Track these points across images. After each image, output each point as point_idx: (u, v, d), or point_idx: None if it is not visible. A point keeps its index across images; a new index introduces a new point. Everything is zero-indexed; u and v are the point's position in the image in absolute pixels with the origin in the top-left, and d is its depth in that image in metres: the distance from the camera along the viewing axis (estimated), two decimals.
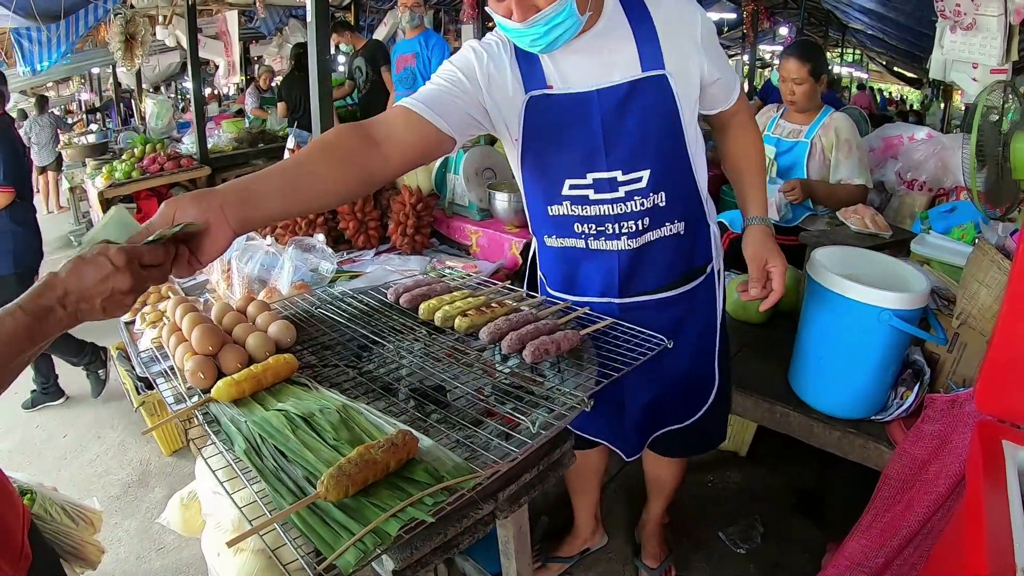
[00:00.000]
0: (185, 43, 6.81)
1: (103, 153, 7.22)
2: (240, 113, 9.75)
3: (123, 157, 6.23)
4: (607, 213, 1.61)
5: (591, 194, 1.60)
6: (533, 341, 1.41)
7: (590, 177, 1.58)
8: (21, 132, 10.71)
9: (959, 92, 3.68)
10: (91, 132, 9.59)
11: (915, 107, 16.62)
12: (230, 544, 0.93)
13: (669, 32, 1.50)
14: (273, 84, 9.78)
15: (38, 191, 10.44)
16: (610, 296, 1.73)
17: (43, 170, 10.35)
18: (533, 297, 1.78)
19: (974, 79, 3.18)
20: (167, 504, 2.62)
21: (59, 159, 9.68)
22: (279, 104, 7.65)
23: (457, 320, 1.54)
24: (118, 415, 4.03)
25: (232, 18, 8.50)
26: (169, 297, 2.55)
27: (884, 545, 1.83)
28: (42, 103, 10.64)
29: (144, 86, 11.81)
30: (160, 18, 7.51)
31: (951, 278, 2.13)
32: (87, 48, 9.52)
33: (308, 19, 2.90)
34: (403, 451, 1.06)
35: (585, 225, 1.65)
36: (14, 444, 3.85)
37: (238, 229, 1.14)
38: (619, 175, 1.56)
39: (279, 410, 1.24)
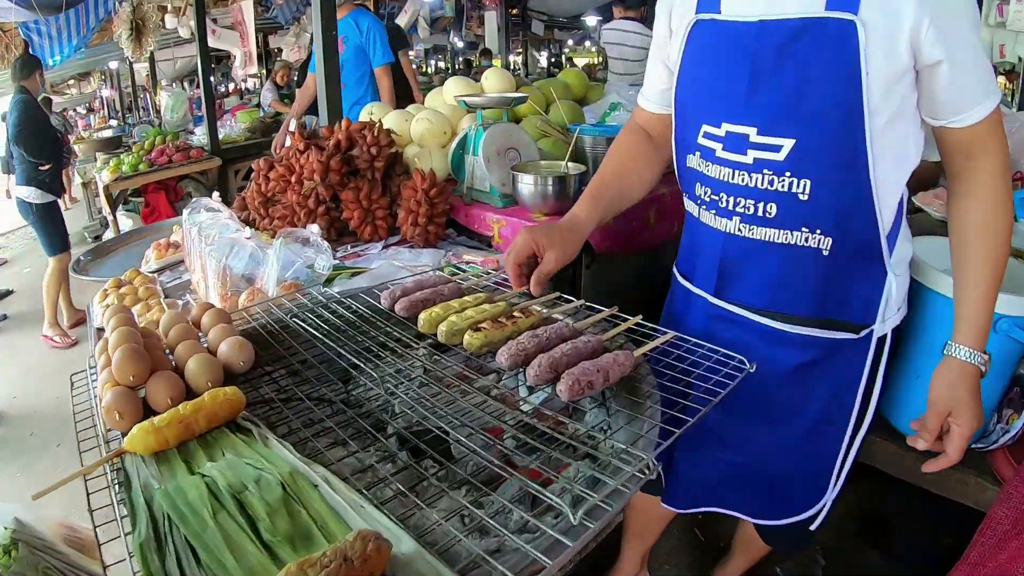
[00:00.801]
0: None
1: (117, 147, 7.04)
2: (259, 106, 9.53)
3: (133, 150, 5.97)
4: (726, 179, 1.28)
5: (719, 149, 1.27)
6: (571, 370, 1.00)
7: (724, 128, 1.25)
8: None
9: (1007, 73, 3.37)
10: (110, 127, 9.45)
11: None
12: None
13: None
14: (291, 80, 9.57)
15: None
16: (705, 290, 1.43)
17: None
18: (568, 301, 1.38)
19: None
20: None
21: (69, 156, 10.25)
22: (297, 91, 7.39)
23: (467, 337, 1.15)
24: None
25: (248, 7, 8.21)
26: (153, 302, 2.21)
27: None
28: (47, 103, 11.14)
29: (162, 81, 11.67)
30: (173, 8, 7.26)
31: None
32: (104, 43, 9.39)
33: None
34: (363, 571, 0.66)
35: (704, 188, 1.35)
36: (8, 453, 3.69)
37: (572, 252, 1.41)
38: (752, 133, 1.20)
39: (204, 475, 0.86)
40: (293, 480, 0.84)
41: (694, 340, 1.22)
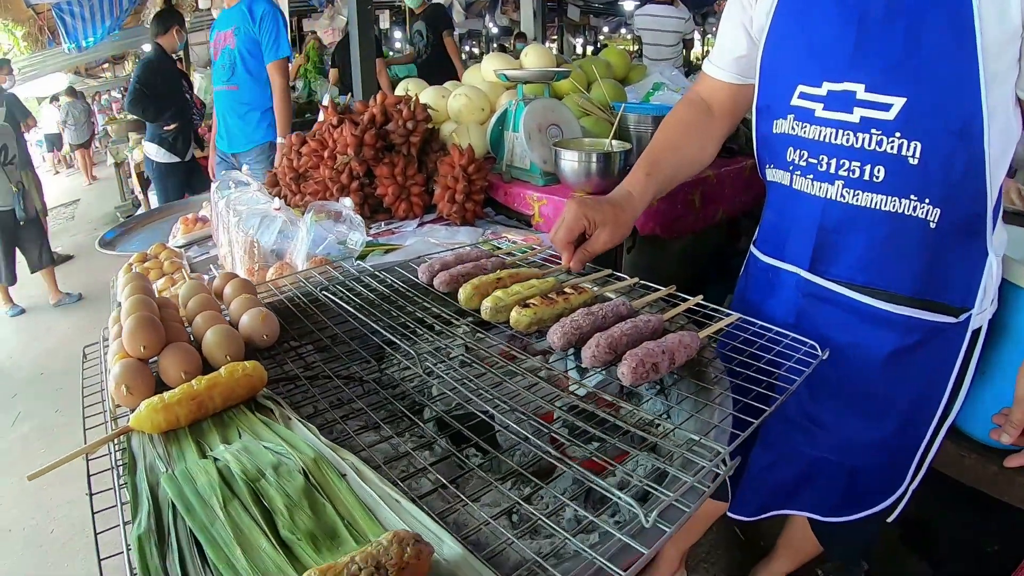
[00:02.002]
0: None
1: None
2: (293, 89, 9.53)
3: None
4: (827, 140, 1.19)
5: (819, 109, 1.20)
6: (634, 351, 0.88)
7: (826, 87, 1.18)
8: (58, 113, 11.99)
9: None
10: None
11: None
12: None
13: None
14: (322, 56, 9.54)
15: (76, 167, 12.85)
16: (798, 265, 1.33)
17: (79, 147, 12.12)
18: (621, 279, 1.26)
19: None
20: None
21: (91, 138, 11.79)
22: (331, 71, 7.37)
23: (515, 314, 1.03)
24: None
25: None
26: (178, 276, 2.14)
27: None
28: (71, 92, 12.21)
29: (194, 63, 11.80)
30: None
31: None
32: (138, 25, 9.48)
33: None
34: None
35: (798, 152, 1.26)
36: (31, 428, 3.71)
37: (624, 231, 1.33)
38: (860, 90, 1.13)
39: (216, 459, 0.75)
40: (317, 468, 0.73)
41: (760, 323, 1.11)
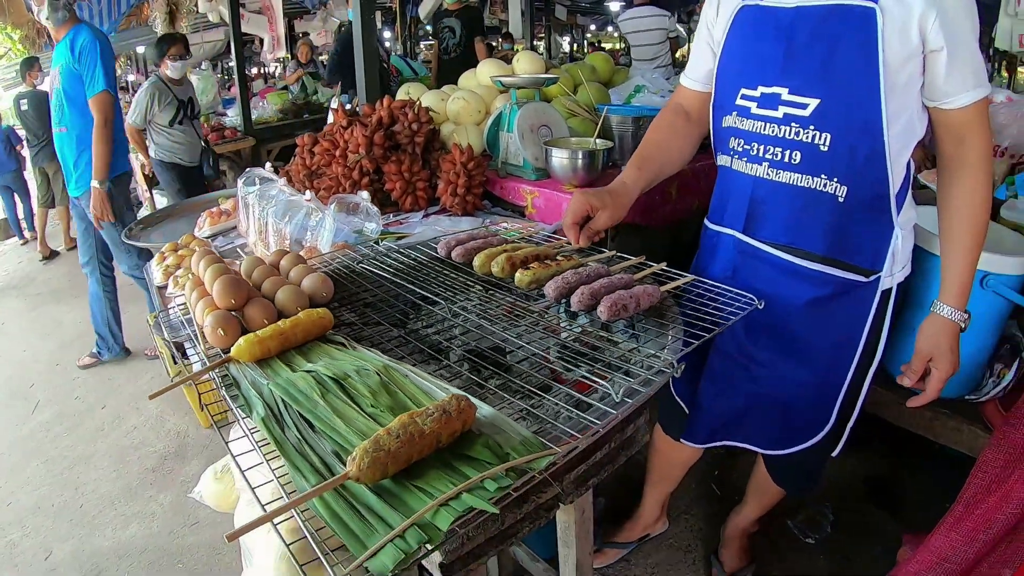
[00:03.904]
0: (228, 18, 6.71)
1: None
2: (286, 88, 9.70)
3: None
4: (758, 131, 1.50)
5: (754, 107, 1.50)
6: (609, 296, 1.18)
7: (760, 90, 1.48)
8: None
9: None
10: None
11: None
12: (230, 539, 0.72)
13: None
14: (314, 58, 9.70)
15: None
16: (735, 228, 1.63)
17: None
18: (601, 252, 1.56)
19: None
20: (201, 477, 2.47)
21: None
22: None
23: (519, 274, 1.33)
24: (157, 385, 3.88)
25: None
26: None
27: (975, 539, 1.61)
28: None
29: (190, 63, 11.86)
30: None
31: None
32: (132, 27, 9.56)
33: None
34: (457, 421, 0.84)
35: (737, 140, 1.56)
36: (52, 415, 3.77)
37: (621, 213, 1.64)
38: (784, 92, 1.43)
39: (308, 371, 1.04)
40: (387, 371, 1.02)
41: (711, 283, 1.41)
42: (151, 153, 5.12)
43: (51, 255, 7.08)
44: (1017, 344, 1.83)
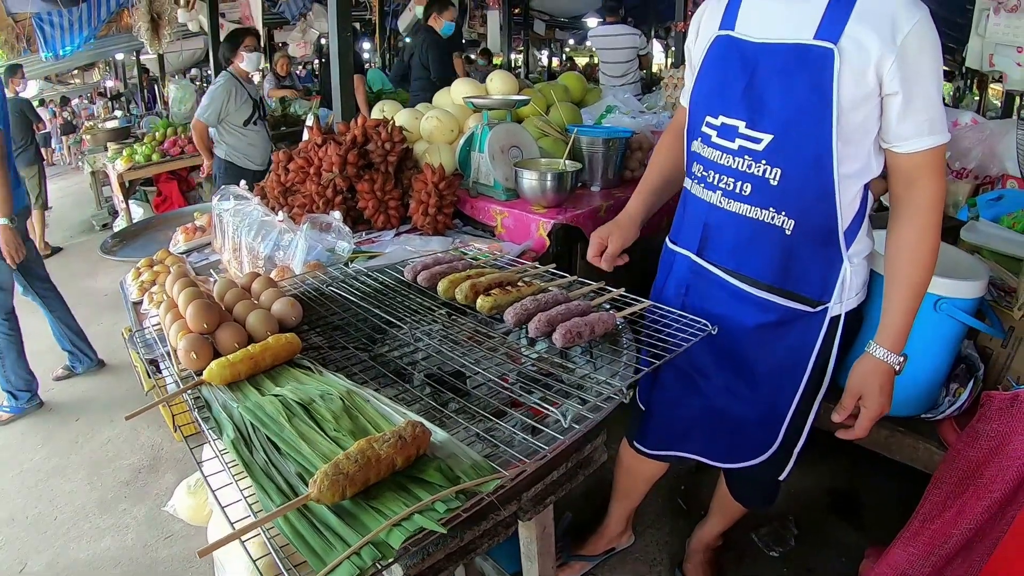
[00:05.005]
0: (208, 28, 6.75)
1: (126, 138, 7.20)
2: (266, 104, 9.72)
3: (144, 141, 6.17)
4: (716, 160, 1.56)
5: (714, 136, 1.55)
6: (564, 323, 1.25)
7: (720, 119, 1.53)
8: None
9: (998, 80, 3.49)
10: (115, 118, 9.60)
11: (945, 100, 16.21)
12: (201, 555, 0.78)
13: (870, 11, 1.33)
14: (291, 71, 9.71)
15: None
16: (690, 250, 1.70)
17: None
18: (562, 276, 1.62)
19: (1019, 64, 3.02)
20: (175, 491, 2.51)
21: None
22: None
23: (480, 300, 1.39)
24: (131, 399, 3.92)
25: (255, 2, 8.38)
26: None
27: (932, 553, 1.70)
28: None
29: (168, 71, 11.85)
30: (183, 1, 7.45)
31: (1005, 268, 1.98)
32: (111, 34, 9.55)
33: None
34: (412, 446, 0.91)
35: (699, 166, 1.62)
36: (26, 426, 3.77)
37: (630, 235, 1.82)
38: (741, 126, 1.49)
39: (275, 395, 1.10)
40: (349, 396, 1.08)
41: (668, 308, 1.47)
42: (220, 154, 4.95)
43: (51, 252, 7.11)
44: (972, 364, 1.89)
